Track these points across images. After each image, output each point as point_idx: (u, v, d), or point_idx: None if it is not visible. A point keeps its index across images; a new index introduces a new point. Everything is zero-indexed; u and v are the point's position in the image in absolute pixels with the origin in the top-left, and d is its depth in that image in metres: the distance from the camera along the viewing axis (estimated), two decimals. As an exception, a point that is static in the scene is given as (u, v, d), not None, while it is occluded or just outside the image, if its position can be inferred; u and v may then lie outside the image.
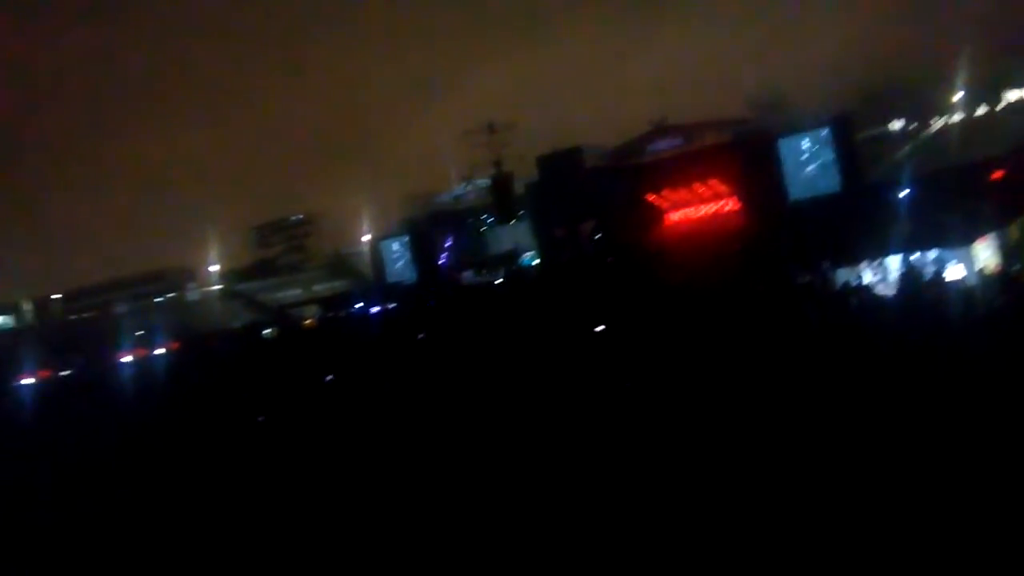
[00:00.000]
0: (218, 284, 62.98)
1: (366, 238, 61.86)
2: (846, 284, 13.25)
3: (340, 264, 62.35)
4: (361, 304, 40.64)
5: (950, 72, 46.34)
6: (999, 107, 45.01)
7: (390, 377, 11.58)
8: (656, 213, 41.56)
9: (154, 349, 40.58)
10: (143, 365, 34.28)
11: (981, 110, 45.72)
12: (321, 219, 68.09)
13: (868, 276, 13.39)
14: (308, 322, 39.62)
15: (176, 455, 8.32)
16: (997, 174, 19.42)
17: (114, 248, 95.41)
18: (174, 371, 25.99)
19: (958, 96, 46.74)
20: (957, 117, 46.73)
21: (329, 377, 14.35)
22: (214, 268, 63.80)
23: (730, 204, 39.51)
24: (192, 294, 61.42)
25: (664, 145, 42.08)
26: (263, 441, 8.56)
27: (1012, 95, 45.07)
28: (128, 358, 38.15)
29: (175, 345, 39.07)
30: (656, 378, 7.99)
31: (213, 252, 63.50)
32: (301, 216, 68.27)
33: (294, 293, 58.50)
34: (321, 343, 26.48)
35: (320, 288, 58.60)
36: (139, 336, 44.89)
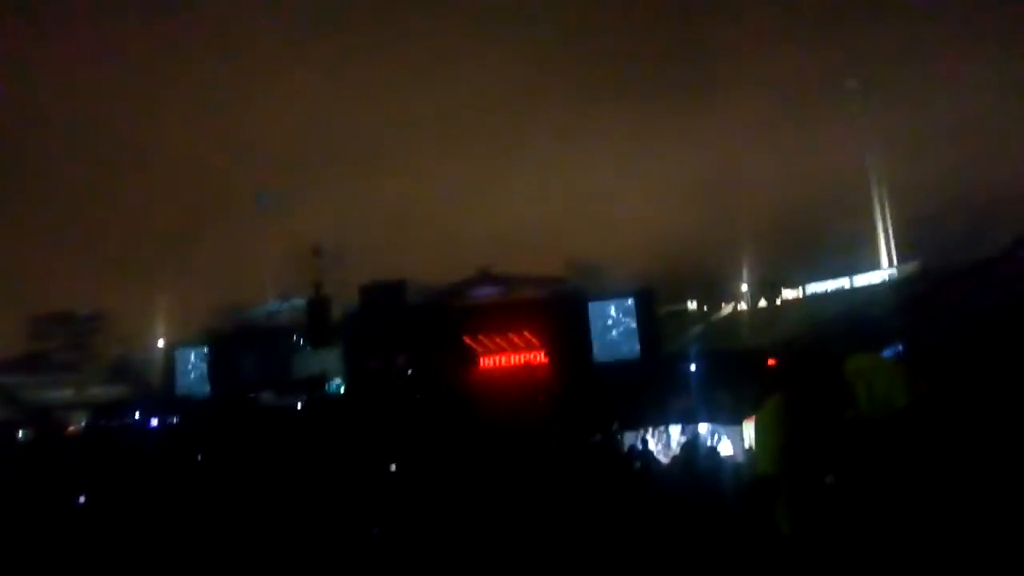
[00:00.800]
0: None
1: (160, 343, 57.37)
2: (632, 447, 13.79)
3: (124, 368, 56.95)
4: (140, 414, 36.97)
5: (740, 266, 52.59)
6: (778, 300, 51.29)
7: (152, 501, 10.36)
8: (470, 356, 42.20)
9: None
10: None
11: (762, 302, 51.80)
12: (113, 317, 62.63)
13: (651, 442, 14.10)
14: (71, 428, 35.29)
15: None
16: (771, 361, 21.56)
17: None
18: None
19: (744, 288, 52.87)
20: (743, 305, 52.64)
21: (81, 499, 12.62)
22: (-26, 353, 56.06)
23: (540, 356, 41.02)
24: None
25: (486, 291, 43.54)
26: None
27: (788, 293, 51.64)
28: None
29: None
30: (417, 522, 7.68)
31: (-25, 337, 56.04)
32: (91, 312, 62.49)
33: (65, 394, 52.31)
34: (81, 453, 23.57)
35: (96, 392, 52.90)
36: None
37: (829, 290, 48.62)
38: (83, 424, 37.88)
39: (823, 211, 53.18)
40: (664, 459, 12.97)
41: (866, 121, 54.55)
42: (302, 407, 36.71)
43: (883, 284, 47.80)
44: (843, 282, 48.68)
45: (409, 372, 40.26)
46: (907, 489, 3.12)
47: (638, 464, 13.17)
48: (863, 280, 48.74)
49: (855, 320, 37.03)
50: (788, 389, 3.65)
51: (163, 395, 44.66)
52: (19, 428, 37.47)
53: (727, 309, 52.94)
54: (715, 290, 53.95)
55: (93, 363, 58.96)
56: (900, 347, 19.72)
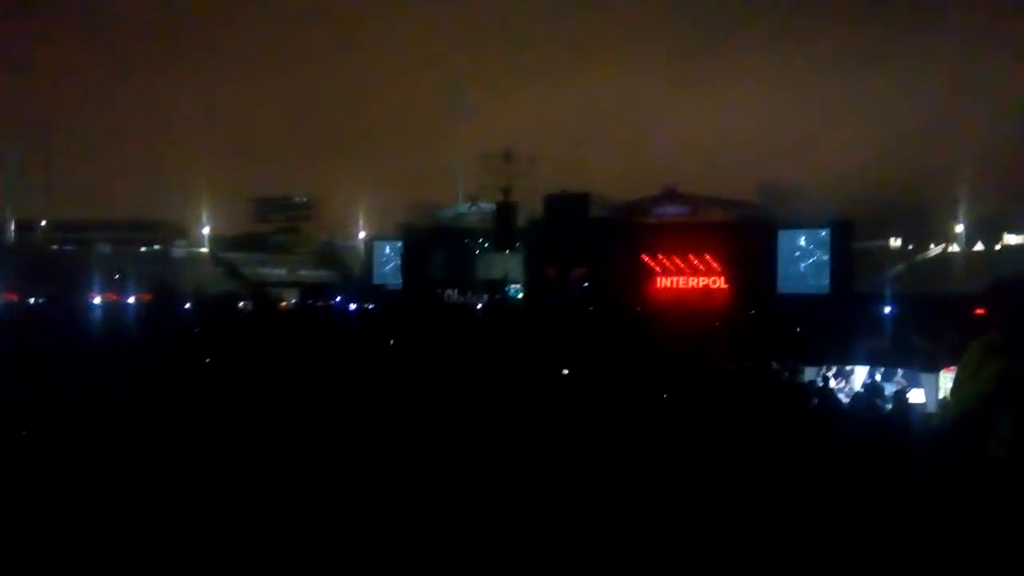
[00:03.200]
0: (205, 247, 62.67)
1: (361, 235, 61.97)
2: (811, 383, 13.46)
3: (330, 254, 62.23)
4: (341, 298, 40.61)
5: (956, 203, 47.48)
6: (997, 246, 46.07)
7: (356, 375, 11.58)
8: (648, 274, 42.06)
9: (127, 296, 40.30)
10: (112, 309, 33.98)
11: (979, 246, 46.75)
12: (322, 206, 68.07)
13: (832, 381, 13.67)
14: (284, 304, 39.46)
15: (128, 400, 8.32)
16: (979, 310, 19.81)
17: (110, 186, 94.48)
18: (142, 320, 25.77)
19: (959, 228, 47.81)
20: (955, 247, 47.76)
21: (298, 357, 14.24)
22: (205, 230, 63.53)
23: (720, 282, 40.07)
24: (178, 251, 61.02)
25: (671, 211, 42.69)
26: (218, 405, 8.56)
27: (1011, 238, 46.17)
28: (99, 299, 37.87)
29: (148, 296, 38.80)
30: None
31: (208, 214, 63.32)
32: (305, 198, 68.17)
33: (278, 272, 58.29)
34: (292, 327, 26.38)
35: (305, 273, 58.47)
36: (115, 280, 44.60)
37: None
38: (293, 301, 42.21)
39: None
40: (845, 400, 12.59)
41: None
42: (482, 307, 38.63)
43: None
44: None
45: (585, 284, 40.93)
46: None
47: (815, 401, 12.89)
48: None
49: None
50: (1000, 330, 3.62)
51: (362, 282, 48.65)
52: (239, 299, 42.50)
53: (935, 250, 48.30)
54: (923, 228, 49.23)
55: (304, 247, 64.93)
56: None
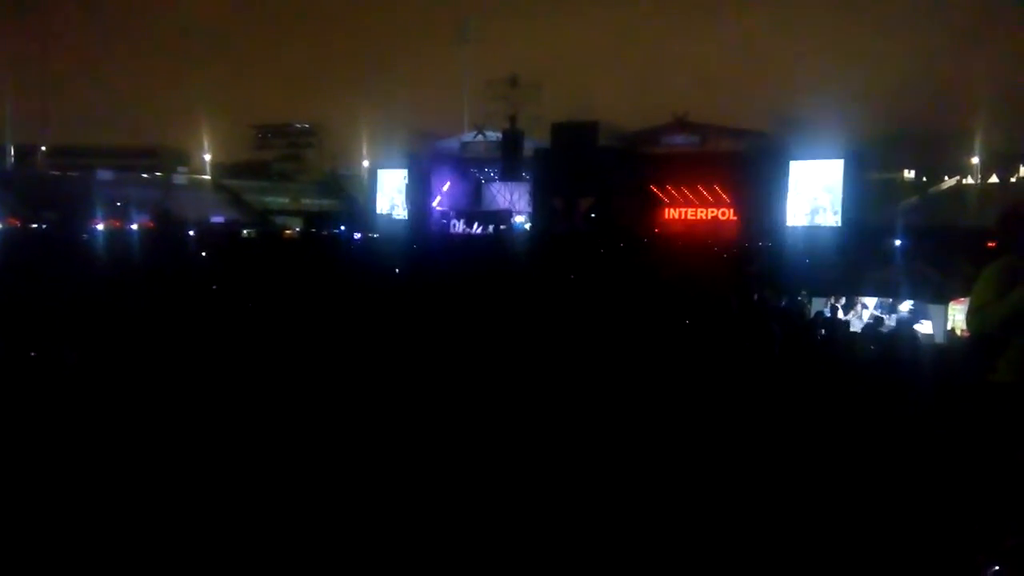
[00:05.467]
0: (208, 174, 62.10)
1: (365, 163, 61.27)
2: (819, 313, 13.27)
3: (333, 182, 61.66)
4: (345, 227, 40.31)
5: (971, 135, 46.43)
6: (1012, 179, 45.18)
7: (360, 308, 11.40)
8: (655, 205, 41.52)
9: (129, 223, 40.06)
10: (115, 236, 33.84)
11: (994, 178, 45.86)
12: (324, 133, 67.15)
13: (840, 312, 13.47)
14: (288, 232, 39.26)
15: (131, 330, 8.17)
16: (992, 243, 19.45)
17: (111, 110, 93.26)
18: (145, 248, 25.62)
19: (974, 160, 46.85)
20: (970, 180, 46.88)
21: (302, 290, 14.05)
22: (207, 157, 62.85)
23: (729, 213, 39.54)
24: (180, 177, 60.48)
25: (680, 140, 41.67)
26: (224, 339, 8.40)
27: (1027, 171, 45.29)
28: (101, 226, 37.67)
29: (151, 224, 38.59)
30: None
31: (210, 140, 62.52)
32: (307, 125, 67.15)
33: (281, 200, 57.87)
34: (298, 256, 26.21)
35: (308, 202, 58.04)
36: (118, 207, 44.28)
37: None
38: (297, 230, 41.98)
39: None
40: (854, 329, 12.41)
41: None
42: (491, 238, 38.30)
43: None
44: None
45: (592, 216, 40.43)
46: None
47: (822, 332, 12.72)
48: None
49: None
50: (1013, 254, 3.67)
51: (366, 211, 48.25)
52: (243, 227, 42.29)
53: (949, 182, 47.40)
54: (938, 160, 48.20)
55: (307, 174, 64.34)
56: None
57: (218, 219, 44.53)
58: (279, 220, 49.05)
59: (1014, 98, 51.60)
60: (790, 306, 14.27)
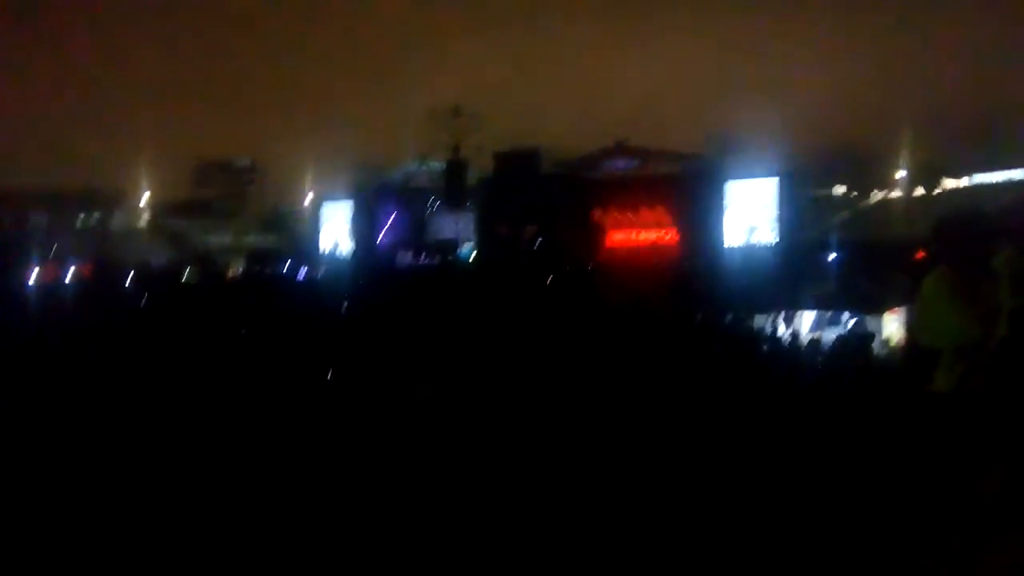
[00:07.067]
0: (146, 215, 60.64)
1: (309, 197, 60.61)
2: (760, 330, 13.67)
3: (276, 219, 60.87)
4: (289, 265, 39.75)
5: (896, 150, 48.55)
6: (935, 191, 47.28)
7: (306, 343, 11.33)
8: (599, 230, 42.04)
9: (66, 270, 38.77)
10: (50, 284, 32.74)
11: (919, 191, 47.92)
12: (266, 168, 66.36)
13: (782, 327, 13.90)
14: (231, 272, 38.49)
15: (65, 382, 7.97)
16: (920, 254, 20.31)
17: (43, 154, 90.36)
18: (82, 296, 24.88)
19: (900, 174, 48.94)
20: (896, 193, 48.93)
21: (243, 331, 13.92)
22: (145, 196, 61.35)
23: (670, 235, 40.30)
24: (117, 220, 58.85)
25: (621, 164, 42.50)
26: (166, 383, 8.26)
27: (950, 183, 47.41)
28: (34, 275, 36.37)
29: (87, 270, 37.38)
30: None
31: (147, 181, 61.07)
32: (249, 161, 66.27)
33: (222, 240, 56.83)
34: (241, 296, 25.74)
35: (251, 239, 57.12)
36: (53, 254, 42.80)
37: (998, 181, 44.04)
38: (240, 269, 41.18)
39: (1005, 93, 47.65)
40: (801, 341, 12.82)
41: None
42: (437, 269, 38.22)
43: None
44: (1015, 174, 43.85)
45: (538, 241, 40.71)
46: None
47: (765, 347, 13.09)
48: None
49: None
50: (948, 265, 3.81)
51: (311, 247, 47.70)
52: (183, 268, 41.24)
53: (878, 196, 49.39)
54: (867, 175, 50.23)
55: (249, 211, 63.33)
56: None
57: (159, 262, 43.41)
58: (221, 260, 48.10)
59: (936, 113, 54.12)
60: (734, 323, 14.65)
